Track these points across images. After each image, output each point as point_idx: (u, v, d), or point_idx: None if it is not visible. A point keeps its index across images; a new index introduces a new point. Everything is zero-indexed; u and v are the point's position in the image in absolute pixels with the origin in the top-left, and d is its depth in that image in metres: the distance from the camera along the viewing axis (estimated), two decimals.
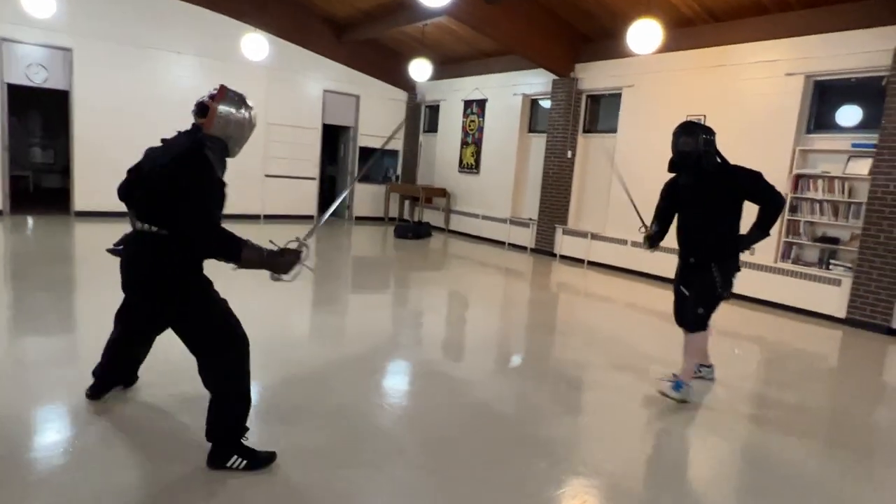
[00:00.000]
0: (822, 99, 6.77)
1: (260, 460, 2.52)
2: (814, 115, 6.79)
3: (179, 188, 2.31)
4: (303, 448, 2.73)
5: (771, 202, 3.52)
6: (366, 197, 12.70)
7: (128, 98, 9.46)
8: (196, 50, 9.95)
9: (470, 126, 11.36)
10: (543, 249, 9.70)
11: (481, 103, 11.02)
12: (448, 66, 11.64)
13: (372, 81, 12.12)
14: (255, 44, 8.81)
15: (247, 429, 2.54)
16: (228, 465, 2.46)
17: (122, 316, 2.91)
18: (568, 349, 4.96)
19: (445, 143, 12.00)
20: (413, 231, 10.63)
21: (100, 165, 9.00)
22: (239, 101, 2.52)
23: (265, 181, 11.09)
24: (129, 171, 2.64)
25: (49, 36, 8.81)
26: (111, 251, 2.76)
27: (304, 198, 11.67)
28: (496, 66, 10.61)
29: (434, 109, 12.54)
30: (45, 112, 12.52)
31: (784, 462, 3.02)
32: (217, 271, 2.61)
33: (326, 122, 11.85)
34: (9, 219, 8.84)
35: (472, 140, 11.31)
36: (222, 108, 2.45)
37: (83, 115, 9.24)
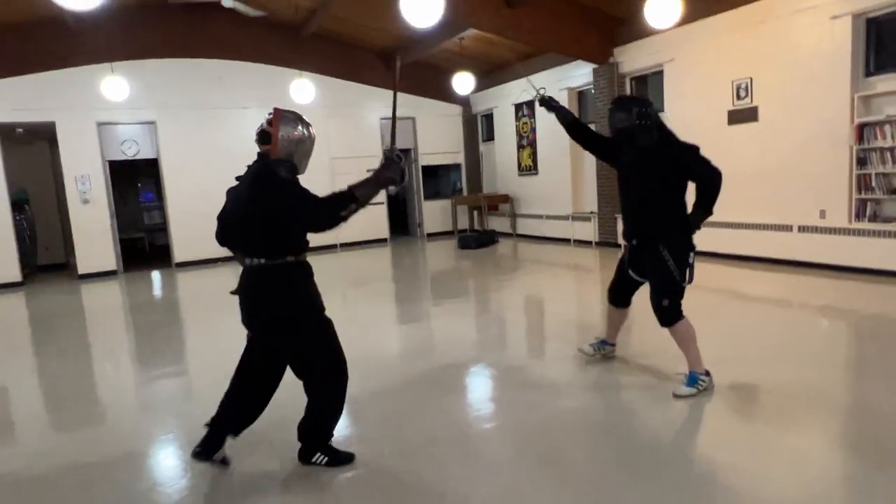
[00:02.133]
0: (879, 37, 6.09)
1: (340, 458, 2.79)
2: (871, 56, 6.12)
3: (270, 207, 2.44)
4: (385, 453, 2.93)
5: (704, 178, 3.29)
6: (435, 213, 13.05)
7: (206, 155, 10.52)
8: (258, 102, 10.85)
9: (523, 128, 11.35)
10: (608, 241, 9.45)
11: (530, 104, 10.99)
12: (495, 74, 11.75)
13: (424, 102, 12.50)
14: (302, 87, 9.47)
15: (331, 435, 2.84)
16: (313, 460, 2.78)
17: (244, 366, 2.81)
18: (651, 345, 4.24)
19: (503, 150, 12.08)
20: (475, 240, 10.77)
21: (190, 219, 10.10)
22: (296, 119, 2.62)
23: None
24: (219, 217, 2.74)
25: (135, 114, 10.07)
26: (235, 293, 2.71)
27: (376, 222, 12.21)
28: (539, 64, 10.54)
29: (489, 118, 12.68)
30: (156, 179, 14.23)
31: None
32: None
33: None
34: (122, 276, 10.15)
35: (528, 142, 11.29)
36: (283, 131, 2.55)
37: (171, 176, 10.43)
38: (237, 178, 2.67)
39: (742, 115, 7.27)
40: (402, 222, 13.72)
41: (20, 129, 10.01)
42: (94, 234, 10.00)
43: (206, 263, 10.49)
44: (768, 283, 6.37)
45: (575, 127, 3.88)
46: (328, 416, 2.78)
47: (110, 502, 2.67)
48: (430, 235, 12.94)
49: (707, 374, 3.41)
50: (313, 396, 2.74)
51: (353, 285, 8.33)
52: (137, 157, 10.34)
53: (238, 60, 10.61)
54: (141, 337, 6.13)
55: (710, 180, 3.27)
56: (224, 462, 2.77)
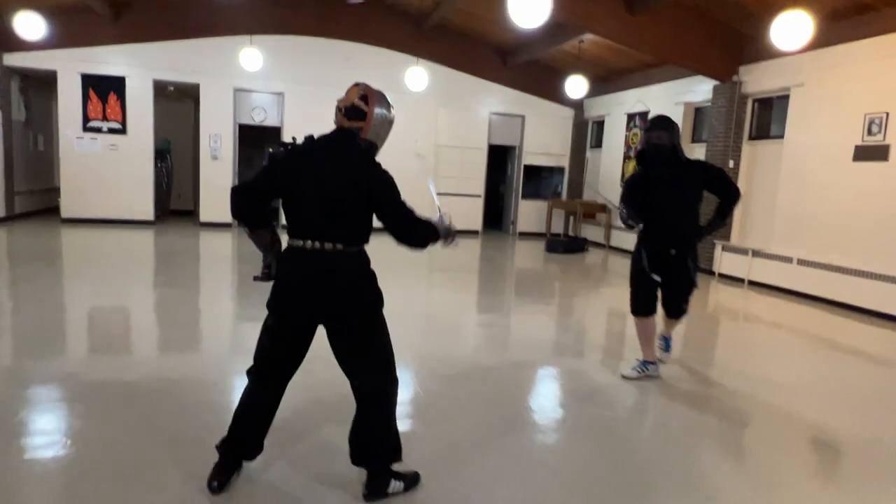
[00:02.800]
0: None
1: (413, 480, 2.43)
2: None
3: (381, 198, 2.30)
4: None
5: (732, 194, 3.85)
6: (531, 213, 13.07)
7: (321, 129, 11.25)
8: (378, 84, 11.41)
9: (632, 140, 11.07)
10: (700, 268, 9.03)
11: (643, 115, 10.70)
12: (611, 81, 11.54)
13: (536, 101, 12.53)
14: (417, 75, 9.88)
15: (400, 449, 2.44)
16: (389, 490, 2.36)
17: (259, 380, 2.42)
18: (734, 378, 4.22)
19: (609, 158, 11.85)
20: (564, 245, 10.71)
21: None
22: (387, 102, 2.41)
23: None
24: (256, 187, 2.34)
25: (267, 84, 11.01)
26: (260, 279, 2.47)
27: (471, 213, 12.48)
28: (658, 76, 10.24)
29: (600, 125, 12.47)
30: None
31: None
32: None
33: (492, 143, 12.58)
34: (235, 230, 11.16)
35: (634, 153, 10.99)
36: (378, 110, 2.34)
37: None
38: (285, 145, 2.44)
39: (871, 153, 6.68)
40: (496, 217, 13.89)
41: (171, 87, 11.27)
42: (217, 188, 11.03)
43: None
44: (877, 338, 5.88)
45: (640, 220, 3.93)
46: (393, 419, 2.41)
47: (171, 410, 3.12)
48: (521, 234, 13.00)
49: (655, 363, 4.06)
50: (378, 406, 2.37)
51: (437, 271, 8.63)
52: (264, 123, 11.29)
53: (363, 43, 11.20)
54: (243, 282, 6.82)
55: (738, 195, 3.86)
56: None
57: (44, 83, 11.04)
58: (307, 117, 11.22)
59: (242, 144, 11.65)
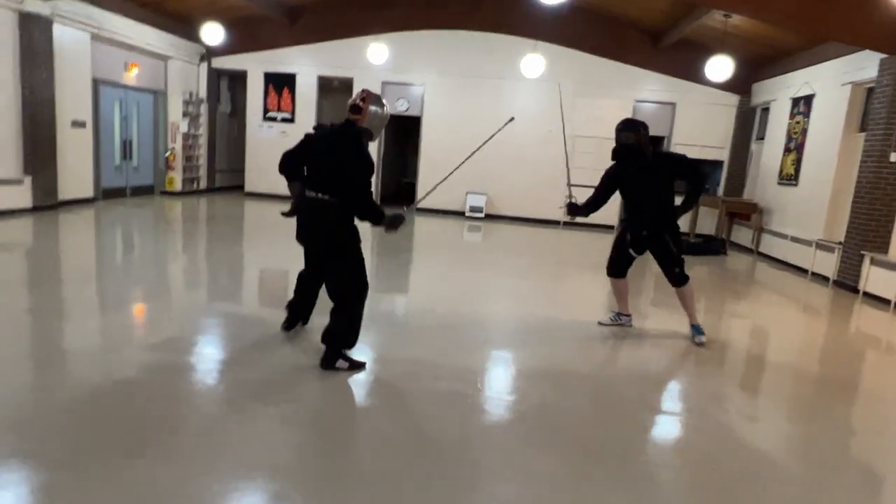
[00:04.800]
0: None
1: (357, 365, 3.40)
2: None
3: (349, 168, 3.22)
4: None
5: (698, 178, 4.45)
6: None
7: (455, 119, 11.80)
8: (509, 71, 11.50)
9: (794, 129, 9.39)
10: (845, 282, 7.39)
11: (808, 100, 9.00)
12: (780, 61, 9.90)
13: (692, 87, 11.31)
14: (532, 63, 9.76)
15: (352, 345, 3.46)
16: (336, 366, 3.36)
17: (305, 271, 3.76)
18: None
19: (770, 151, 10.21)
20: (695, 247, 9.57)
21: (437, 170, 11.57)
22: (378, 101, 3.38)
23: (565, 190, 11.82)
24: (293, 153, 3.53)
25: (409, 76, 11.87)
26: (286, 214, 3.64)
27: (609, 207, 11.80)
28: (829, 51, 8.52)
29: (767, 112, 10.76)
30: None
31: None
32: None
33: None
34: None
35: (795, 145, 9.32)
36: (371, 107, 3.32)
37: (428, 133, 12.04)
38: (316, 129, 3.49)
39: None
40: None
41: (336, 82, 12.82)
42: None
43: (438, 214, 11.95)
44: None
45: (589, 212, 4.60)
46: (350, 328, 3.40)
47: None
48: None
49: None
50: (341, 310, 3.37)
51: (562, 263, 8.64)
52: (407, 113, 12.20)
53: (503, 34, 11.35)
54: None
55: (703, 179, 4.51)
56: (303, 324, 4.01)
57: (241, 81, 13.48)
58: (443, 107, 11.87)
59: (392, 133, 12.76)
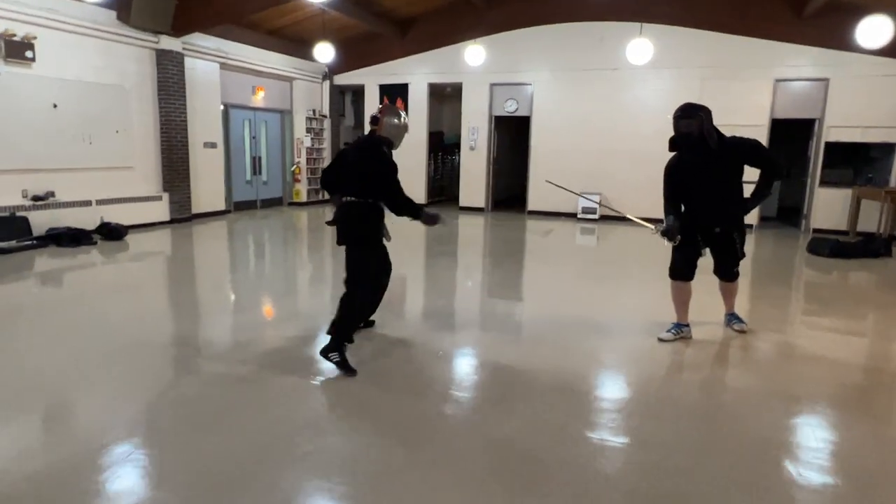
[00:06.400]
0: None
1: (347, 366, 3.44)
2: None
3: (376, 172, 3.59)
4: None
5: (774, 168, 3.97)
6: (835, 205, 10.06)
7: (566, 117, 11.22)
8: (624, 62, 10.61)
9: None
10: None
11: None
12: None
13: (849, 58, 9.53)
14: (640, 48, 8.91)
15: (351, 340, 3.70)
16: (329, 357, 3.48)
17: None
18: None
19: None
20: (833, 247, 7.94)
21: (543, 174, 11.12)
22: (394, 112, 3.76)
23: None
24: (330, 169, 3.91)
25: (517, 76, 11.53)
26: (329, 223, 3.84)
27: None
28: None
29: None
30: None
31: None
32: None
33: (777, 118, 10.18)
34: (489, 214, 12.15)
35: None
36: (386, 119, 3.71)
37: (538, 133, 11.59)
38: (346, 144, 3.89)
39: None
40: (789, 211, 11.18)
41: (448, 88, 12.90)
42: (473, 175, 12.26)
43: (550, 216, 11.44)
44: None
45: (680, 221, 4.11)
46: (351, 319, 3.64)
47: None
48: (816, 231, 10.12)
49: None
50: (349, 303, 3.63)
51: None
52: (516, 113, 11.86)
53: (616, 21, 10.54)
54: (496, 266, 7.61)
55: (780, 168, 4.00)
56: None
57: (362, 95, 14.13)
58: (553, 104, 11.38)
59: (502, 136, 12.52)
